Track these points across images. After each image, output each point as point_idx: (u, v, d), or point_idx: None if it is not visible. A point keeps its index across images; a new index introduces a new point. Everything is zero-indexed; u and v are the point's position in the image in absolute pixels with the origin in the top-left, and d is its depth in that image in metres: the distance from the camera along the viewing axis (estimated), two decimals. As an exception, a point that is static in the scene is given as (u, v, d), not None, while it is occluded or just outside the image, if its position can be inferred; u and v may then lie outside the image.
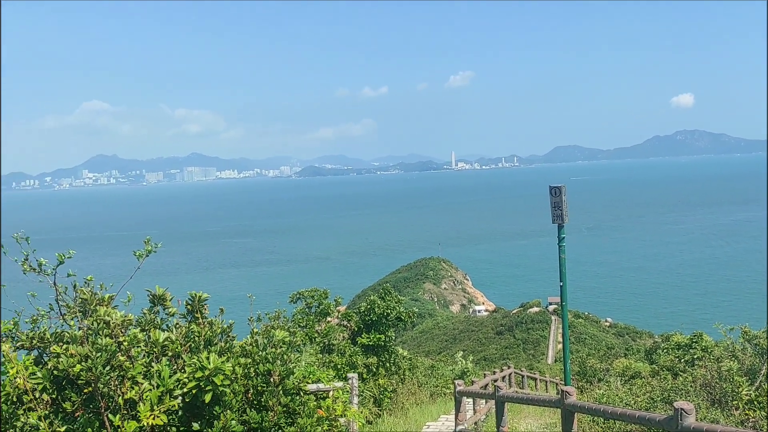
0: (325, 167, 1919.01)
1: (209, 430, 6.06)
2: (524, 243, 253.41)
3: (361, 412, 12.45)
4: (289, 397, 6.63)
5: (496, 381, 17.78)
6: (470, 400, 17.97)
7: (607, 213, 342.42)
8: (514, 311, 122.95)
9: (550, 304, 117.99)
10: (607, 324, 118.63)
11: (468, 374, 34.70)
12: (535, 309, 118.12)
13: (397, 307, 20.92)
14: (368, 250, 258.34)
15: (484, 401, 17.77)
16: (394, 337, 21.01)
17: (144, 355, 6.70)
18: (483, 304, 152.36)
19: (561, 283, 16.98)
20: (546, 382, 37.54)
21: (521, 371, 34.58)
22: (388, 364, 19.78)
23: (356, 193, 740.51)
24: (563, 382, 20.67)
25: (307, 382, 7.26)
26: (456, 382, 15.70)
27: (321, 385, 10.59)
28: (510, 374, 28.76)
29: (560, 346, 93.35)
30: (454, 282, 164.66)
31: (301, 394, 6.93)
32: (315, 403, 7.31)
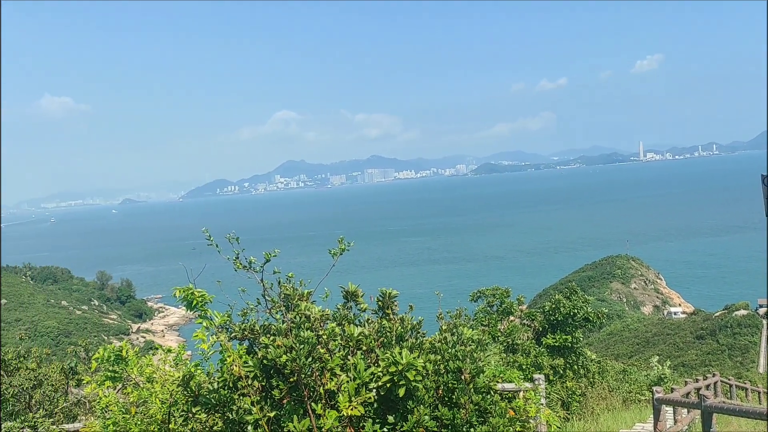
0: (501, 164, 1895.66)
1: (403, 423, 6.21)
2: (725, 239, 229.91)
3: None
4: (480, 396, 6.59)
5: (699, 389, 16.31)
6: (670, 408, 16.67)
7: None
8: (717, 314, 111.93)
9: (761, 306, 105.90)
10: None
11: (665, 381, 32.23)
12: (742, 312, 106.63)
13: (585, 307, 20.01)
14: (549, 247, 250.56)
15: (686, 411, 16.39)
16: (581, 339, 20.12)
17: (340, 349, 7.04)
18: (680, 305, 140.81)
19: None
20: (759, 392, 33.77)
21: (728, 380, 31.44)
22: (576, 367, 18.99)
23: (535, 189, 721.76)
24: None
25: (497, 381, 7.18)
26: (654, 389, 14.67)
27: (506, 385, 10.42)
28: (716, 383, 26.23)
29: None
30: (645, 281, 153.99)
31: (492, 393, 6.86)
32: (506, 402, 7.20)
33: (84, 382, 9.45)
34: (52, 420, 11.36)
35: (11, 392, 20.59)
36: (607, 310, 22.38)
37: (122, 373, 7.31)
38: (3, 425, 14.09)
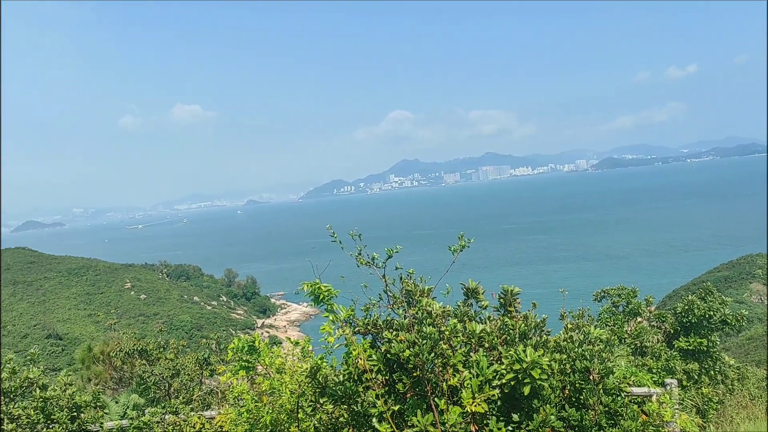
0: (624, 158, 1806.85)
1: (528, 422, 6.10)
2: None
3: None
4: (610, 397, 6.33)
5: None
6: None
7: None
8: None
9: None
10: None
11: (814, 390, 29.36)
12: None
13: (722, 309, 18.64)
14: (677, 246, 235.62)
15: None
16: (717, 343, 18.77)
17: (462, 345, 7.02)
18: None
19: None
20: None
21: None
22: (712, 372, 17.75)
23: (662, 184, 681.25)
24: None
25: (628, 383, 6.86)
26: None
27: (636, 389, 9.92)
28: None
29: None
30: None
31: (623, 394, 6.57)
32: (637, 406, 6.86)
33: (219, 371, 10.05)
34: (191, 407, 12.17)
35: (153, 380, 22.26)
36: (747, 312, 20.70)
37: (254, 363, 7.70)
38: (147, 410, 15.22)
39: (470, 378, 6.36)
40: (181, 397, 14.44)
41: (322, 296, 7.12)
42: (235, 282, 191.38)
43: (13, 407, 16.47)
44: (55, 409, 15.39)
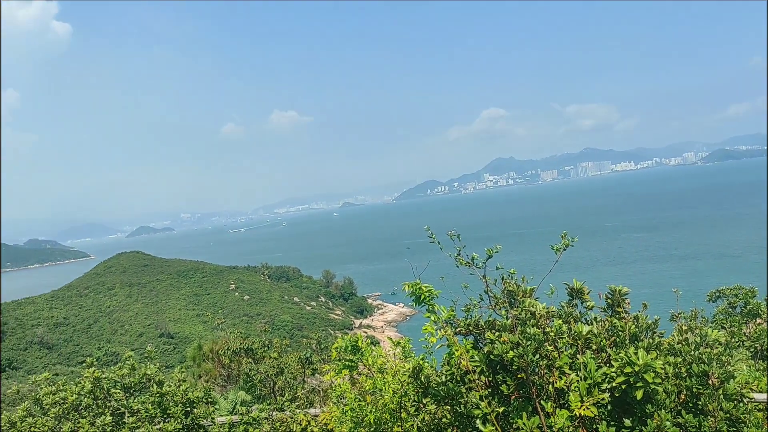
0: (738, 149, 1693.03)
1: (642, 428, 5.83)
2: None
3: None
4: (732, 404, 5.94)
5: None
6: None
7: None
8: None
9: None
10: None
11: None
12: None
13: None
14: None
15: None
16: None
17: (568, 347, 6.82)
18: None
19: None
20: None
21: None
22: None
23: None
24: None
25: (750, 389, 6.42)
26: None
27: (757, 395, 9.26)
28: None
29: None
30: None
31: (744, 401, 6.15)
32: (761, 413, 6.40)
33: (323, 369, 10.28)
34: (296, 404, 12.54)
35: (258, 378, 23.09)
36: None
37: (357, 362, 7.82)
38: (254, 407, 15.80)
39: (578, 381, 6.17)
40: (286, 395, 14.92)
41: (423, 297, 7.13)
42: (332, 283, 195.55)
43: (132, 401, 17.59)
44: (171, 404, 16.29)
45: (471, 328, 7.28)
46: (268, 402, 18.66)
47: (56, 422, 16.90)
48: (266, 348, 25.92)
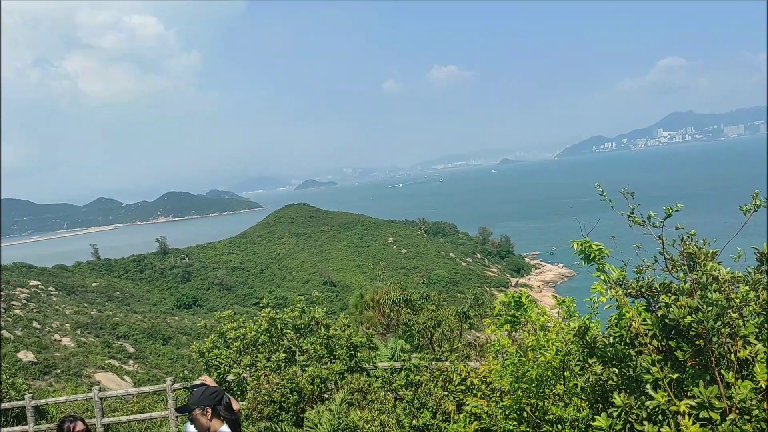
0: None
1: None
2: None
3: None
4: None
5: None
6: None
7: None
8: None
9: None
10: None
11: None
12: None
13: None
14: None
15: None
16: None
17: (755, 315, 6.29)
18: None
19: None
20: None
21: None
22: None
23: None
24: None
25: None
26: None
27: None
28: None
29: None
30: None
31: None
32: None
33: (485, 323, 10.39)
34: (456, 355, 12.83)
35: (417, 328, 23.83)
36: None
37: (519, 318, 7.81)
38: (414, 355, 16.39)
39: (765, 351, 5.70)
40: (446, 346, 15.32)
41: (593, 255, 6.89)
42: (489, 240, 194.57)
43: (303, 342, 18.98)
44: (336, 346, 17.38)
45: (643, 290, 6.95)
46: (425, 352, 19.25)
47: (237, 355, 18.75)
48: (424, 300, 26.58)
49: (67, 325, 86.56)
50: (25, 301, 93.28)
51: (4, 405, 23.55)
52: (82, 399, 24.27)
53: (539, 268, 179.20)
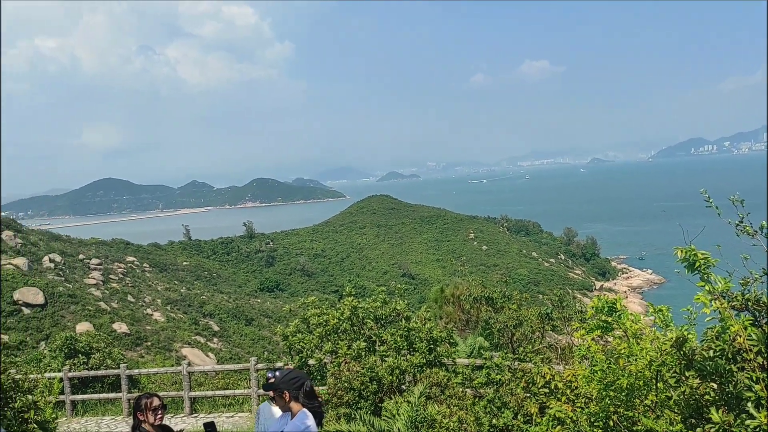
0: None
1: None
2: None
3: None
4: None
5: None
6: None
7: None
8: None
9: None
10: None
11: None
12: None
13: None
14: None
15: None
16: None
17: None
18: None
19: None
20: None
21: None
22: None
23: None
24: None
25: None
26: None
27: None
28: None
29: None
30: None
31: None
32: None
33: (571, 327, 10.14)
34: (540, 357, 12.61)
35: (497, 327, 23.54)
36: None
37: (612, 324, 7.57)
38: (495, 354, 16.22)
39: None
40: (528, 347, 15.06)
41: (698, 264, 6.57)
42: (573, 241, 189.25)
43: (383, 332, 19.15)
44: (416, 339, 17.44)
45: (750, 303, 6.57)
46: (504, 351, 19.02)
47: (319, 341, 19.17)
48: (506, 299, 26.23)
49: (159, 300, 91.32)
50: (121, 276, 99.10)
51: (101, 372, 25.16)
52: (172, 372, 25.60)
53: (626, 273, 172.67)
